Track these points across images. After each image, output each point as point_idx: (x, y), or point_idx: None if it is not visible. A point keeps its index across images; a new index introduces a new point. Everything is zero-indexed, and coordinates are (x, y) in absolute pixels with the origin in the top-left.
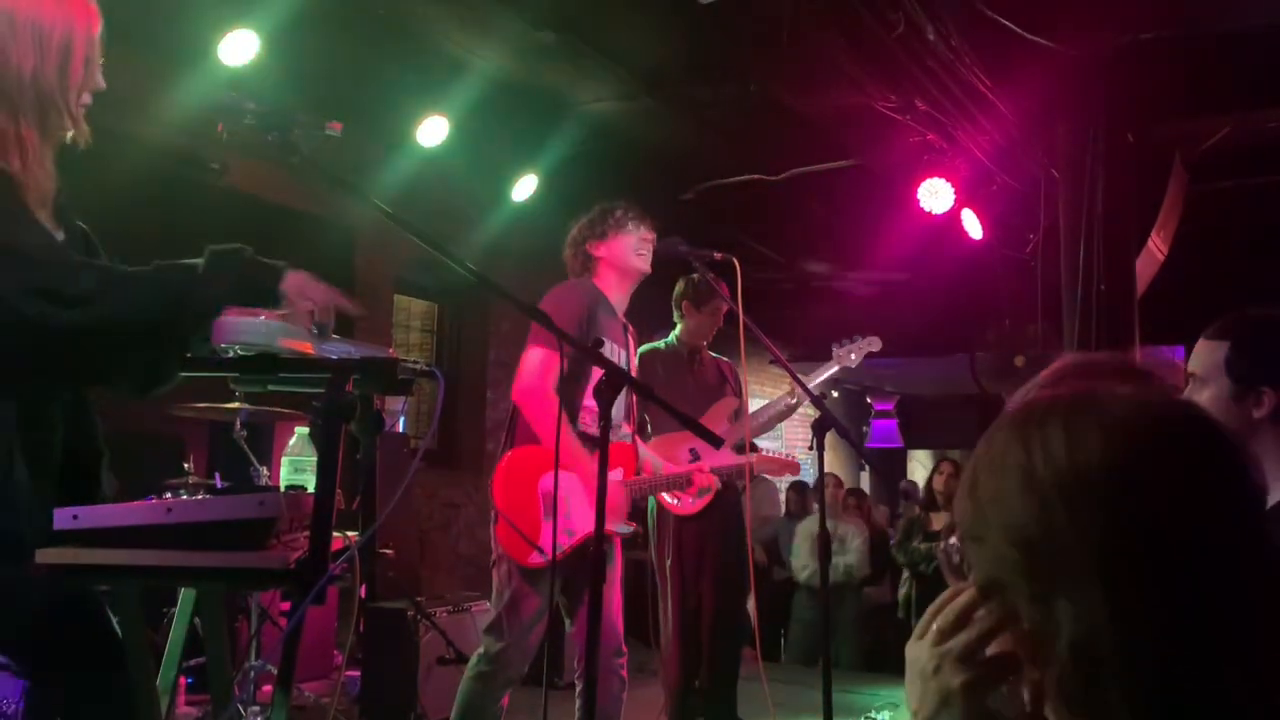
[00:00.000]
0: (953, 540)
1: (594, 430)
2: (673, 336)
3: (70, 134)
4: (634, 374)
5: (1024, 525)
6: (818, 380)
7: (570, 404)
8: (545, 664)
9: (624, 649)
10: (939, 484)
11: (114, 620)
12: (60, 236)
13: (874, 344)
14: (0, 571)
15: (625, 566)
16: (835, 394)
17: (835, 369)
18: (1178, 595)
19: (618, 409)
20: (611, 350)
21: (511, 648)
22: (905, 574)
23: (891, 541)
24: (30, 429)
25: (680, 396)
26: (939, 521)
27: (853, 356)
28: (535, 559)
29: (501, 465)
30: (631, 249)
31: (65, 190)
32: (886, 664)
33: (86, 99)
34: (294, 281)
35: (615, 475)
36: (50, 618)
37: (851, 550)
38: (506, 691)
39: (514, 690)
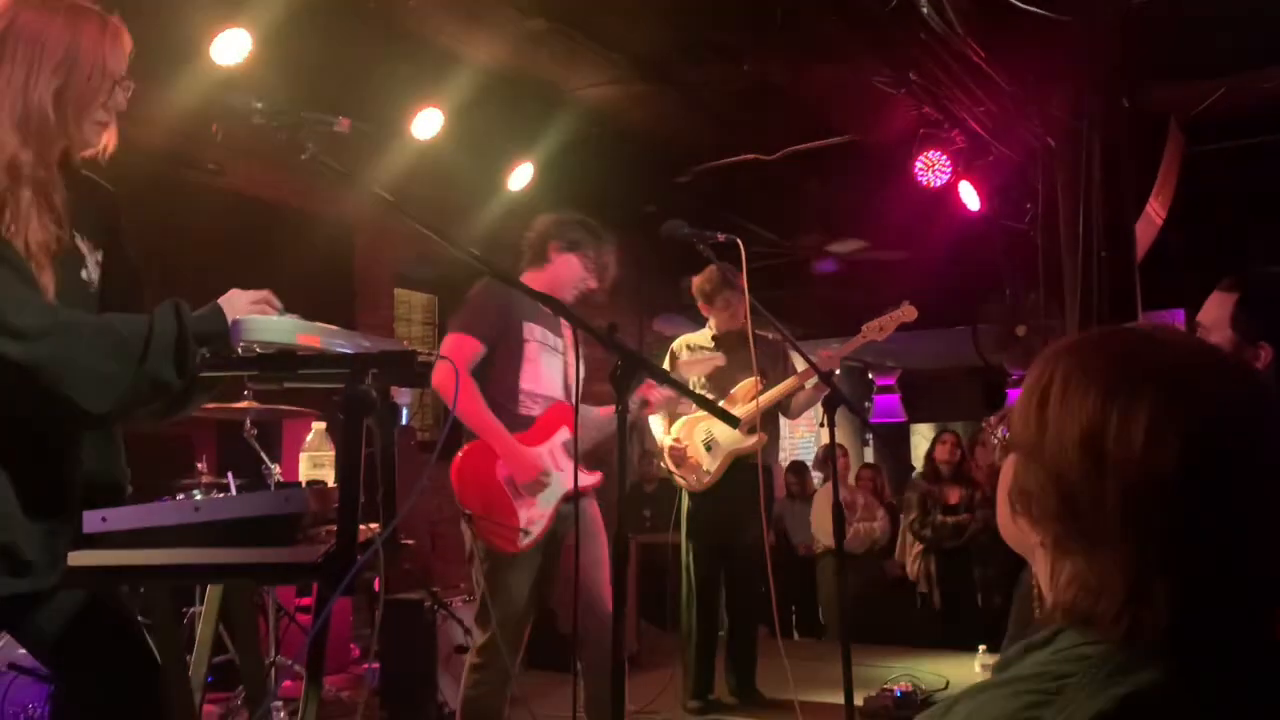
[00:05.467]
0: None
1: (534, 411)
2: (707, 326)
3: (87, 150)
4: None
5: (1073, 484)
6: (841, 354)
7: (507, 389)
8: (574, 651)
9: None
10: (941, 454)
11: (140, 623)
12: (98, 257)
13: (908, 314)
14: (12, 586)
15: (640, 551)
16: (838, 370)
17: (862, 343)
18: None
19: (557, 383)
20: (546, 338)
21: (498, 637)
22: (917, 549)
23: (905, 517)
24: (28, 456)
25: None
26: (955, 495)
27: (882, 330)
28: (525, 543)
29: (455, 469)
30: (574, 279)
31: (115, 210)
32: (900, 637)
33: (102, 117)
34: (235, 306)
35: (563, 435)
36: (78, 624)
37: (878, 520)
38: (506, 683)
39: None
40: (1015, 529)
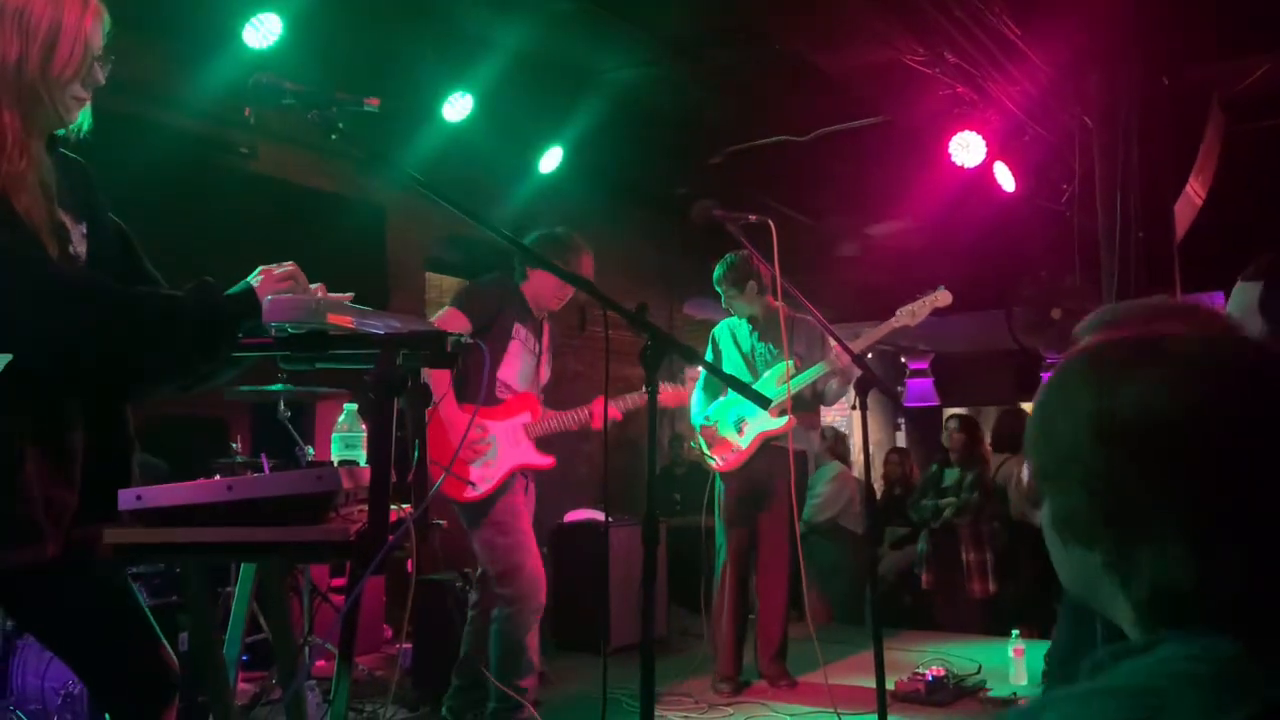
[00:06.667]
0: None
1: (505, 396)
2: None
3: (67, 127)
4: (547, 362)
5: (1098, 474)
6: (873, 338)
7: (488, 374)
8: (599, 630)
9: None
10: (948, 440)
11: (139, 595)
12: (82, 229)
13: (943, 299)
14: (20, 556)
15: (670, 535)
16: (869, 354)
17: (895, 327)
18: (1262, 531)
19: (528, 381)
20: (528, 341)
21: (525, 579)
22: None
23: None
24: (44, 423)
25: (737, 365)
26: (950, 477)
27: (914, 315)
28: (470, 494)
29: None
30: (551, 291)
31: (90, 182)
32: (927, 620)
33: (79, 92)
34: (265, 287)
35: (523, 418)
36: (76, 599)
37: (816, 495)
38: (536, 621)
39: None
40: (1074, 563)
